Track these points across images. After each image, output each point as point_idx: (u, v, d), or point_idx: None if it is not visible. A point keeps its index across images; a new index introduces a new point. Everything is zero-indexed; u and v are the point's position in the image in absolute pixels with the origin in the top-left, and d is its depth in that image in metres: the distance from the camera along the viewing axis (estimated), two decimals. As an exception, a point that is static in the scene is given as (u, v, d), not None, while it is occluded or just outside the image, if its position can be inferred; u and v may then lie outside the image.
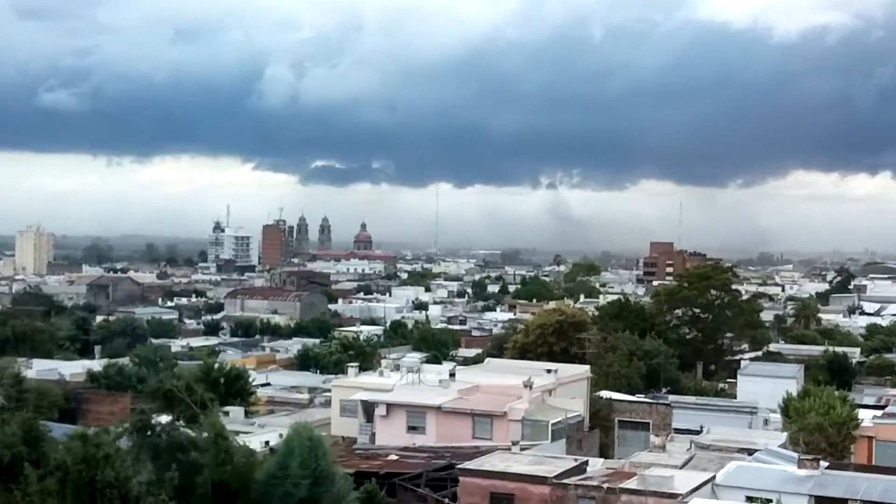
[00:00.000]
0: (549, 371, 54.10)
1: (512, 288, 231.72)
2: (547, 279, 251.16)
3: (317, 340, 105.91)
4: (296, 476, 30.39)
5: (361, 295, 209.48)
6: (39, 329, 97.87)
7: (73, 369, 73.31)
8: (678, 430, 51.78)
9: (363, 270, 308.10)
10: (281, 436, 35.35)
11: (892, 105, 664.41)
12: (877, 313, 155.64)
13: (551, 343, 75.90)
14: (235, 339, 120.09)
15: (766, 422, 57.22)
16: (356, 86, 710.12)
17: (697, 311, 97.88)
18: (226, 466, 30.22)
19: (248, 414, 58.26)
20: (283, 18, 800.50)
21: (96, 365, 71.72)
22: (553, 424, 46.74)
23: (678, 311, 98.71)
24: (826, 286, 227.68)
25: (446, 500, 37.91)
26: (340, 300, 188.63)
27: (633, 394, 65.21)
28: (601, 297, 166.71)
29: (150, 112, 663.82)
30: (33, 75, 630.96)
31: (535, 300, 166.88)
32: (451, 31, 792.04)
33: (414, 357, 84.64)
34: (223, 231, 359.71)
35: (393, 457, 43.71)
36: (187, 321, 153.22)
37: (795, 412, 52.24)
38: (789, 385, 62.28)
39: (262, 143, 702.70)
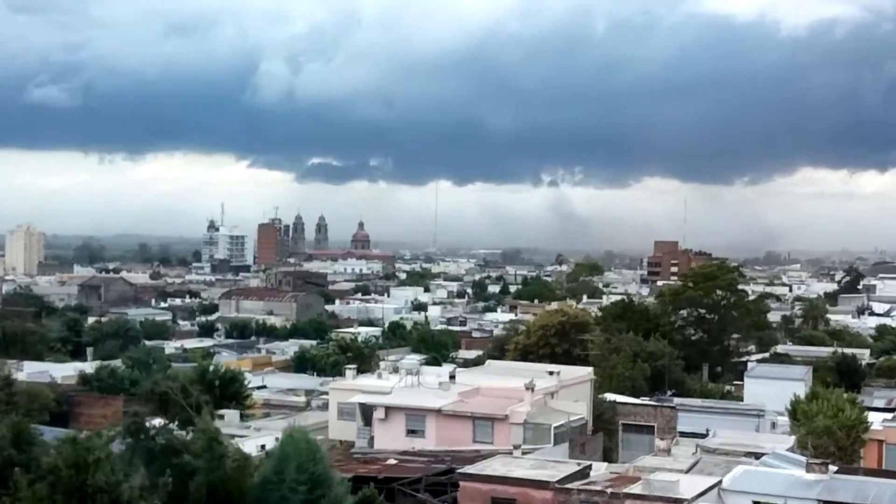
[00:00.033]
0: (551, 373, 54.12)
1: (513, 288, 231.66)
2: (549, 279, 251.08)
3: (314, 342, 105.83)
4: (292, 481, 30.37)
5: (359, 295, 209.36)
6: (30, 330, 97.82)
7: (64, 371, 73.30)
8: (683, 434, 51.79)
9: (361, 270, 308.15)
10: (277, 439, 35.33)
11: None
12: (887, 314, 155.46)
13: (553, 344, 75.96)
14: (230, 341, 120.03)
15: (773, 425, 57.20)
16: (353, 81, 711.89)
17: (703, 311, 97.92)
18: (221, 471, 30.19)
19: (243, 417, 58.23)
20: (278, 12, 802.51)
21: (88, 367, 71.71)
22: (555, 428, 46.76)
23: (683, 312, 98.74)
24: (835, 286, 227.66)
25: (446, 506, 37.92)
26: (338, 301, 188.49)
27: (637, 396, 65.25)
28: (604, 297, 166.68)
29: (142, 108, 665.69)
30: (23, 70, 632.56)
31: (536, 301, 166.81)
32: (450, 24, 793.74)
33: (413, 359, 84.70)
34: (217, 230, 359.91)
35: (392, 461, 43.71)
36: (181, 322, 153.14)
37: (803, 415, 52.21)
38: (797, 387, 62.25)
39: (256, 139, 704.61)
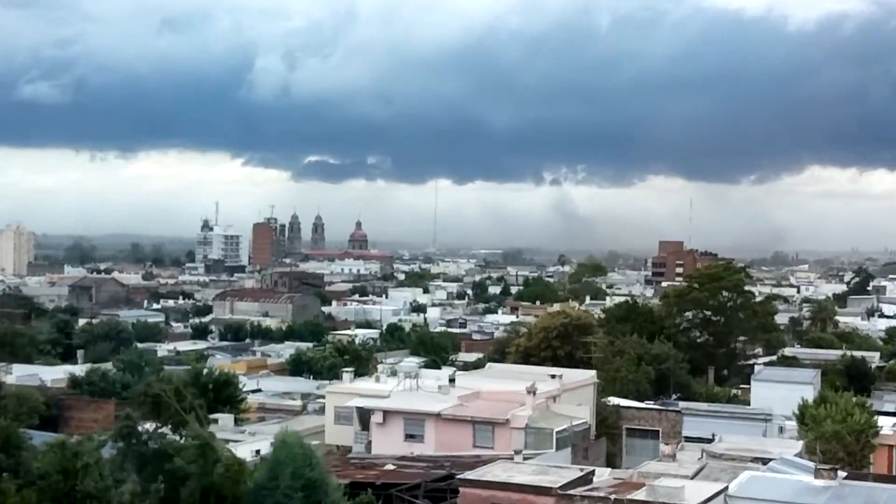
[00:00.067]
0: (553, 376, 54.08)
1: (514, 289, 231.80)
2: (551, 280, 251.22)
3: (310, 344, 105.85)
4: (286, 487, 30.34)
5: (356, 297, 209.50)
6: (19, 332, 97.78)
7: (54, 374, 73.29)
8: (689, 439, 51.77)
9: (358, 271, 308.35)
10: (272, 444, 35.32)
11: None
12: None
13: (555, 347, 75.94)
14: (225, 343, 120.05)
15: (780, 429, 57.24)
16: (351, 77, 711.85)
17: (709, 313, 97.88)
18: (214, 476, 30.16)
19: (237, 421, 58.22)
20: (274, 7, 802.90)
21: (79, 370, 71.64)
22: (558, 432, 46.74)
23: (688, 314, 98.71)
24: (844, 287, 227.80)
25: (446, 512, 37.91)
26: (334, 302, 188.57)
27: (641, 400, 65.27)
28: (608, 298, 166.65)
29: (135, 105, 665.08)
30: (13, 66, 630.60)
31: (538, 302, 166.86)
32: (450, 20, 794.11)
33: (412, 362, 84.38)
34: (212, 230, 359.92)
35: (390, 466, 43.70)
36: (174, 324, 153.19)
37: (812, 419, 52.21)
38: (805, 391, 62.28)
39: (252, 137, 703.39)
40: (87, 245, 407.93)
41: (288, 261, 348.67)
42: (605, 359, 72.77)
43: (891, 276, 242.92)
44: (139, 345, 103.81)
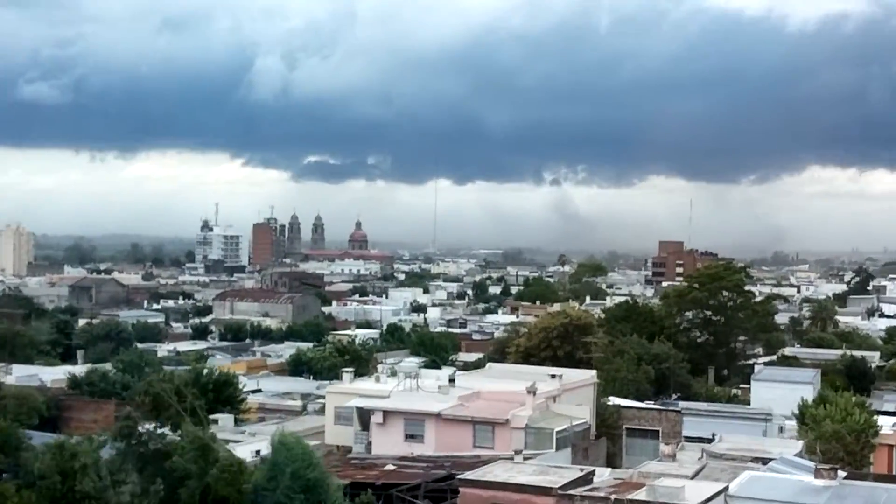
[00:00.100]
0: (553, 376, 54.08)
1: (514, 289, 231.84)
2: (551, 280, 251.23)
3: (310, 344, 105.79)
4: (286, 487, 30.35)
5: (356, 297, 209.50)
6: (19, 333, 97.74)
7: (54, 375, 73.27)
8: (689, 439, 51.78)
9: (358, 271, 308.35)
10: (271, 445, 35.30)
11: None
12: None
13: (556, 347, 75.90)
14: (225, 344, 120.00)
15: (781, 429, 57.25)
16: (351, 77, 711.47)
17: (709, 313, 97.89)
18: (214, 476, 30.17)
19: (237, 422, 58.22)
20: (274, 7, 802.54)
21: (79, 370, 71.63)
22: (558, 432, 46.74)
23: (689, 314, 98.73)
24: (844, 287, 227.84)
25: (446, 512, 37.91)
26: (334, 302, 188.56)
27: (641, 400, 65.27)
28: (608, 298, 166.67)
29: (134, 105, 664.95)
30: (12, 66, 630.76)
31: (538, 302, 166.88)
32: (450, 20, 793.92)
33: (412, 362, 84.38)
34: (211, 230, 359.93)
35: (390, 467, 43.69)
36: (174, 324, 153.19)
37: (812, 419, 52.23)
38: (805, 391, 62.32)
39: (252, 137, 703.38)
40: (87, 245, 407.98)
41: (288, 261, 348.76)
42: (606, 359, 72.75)
43: (891, 275, 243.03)
44: (139, 345, 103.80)
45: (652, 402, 65.42)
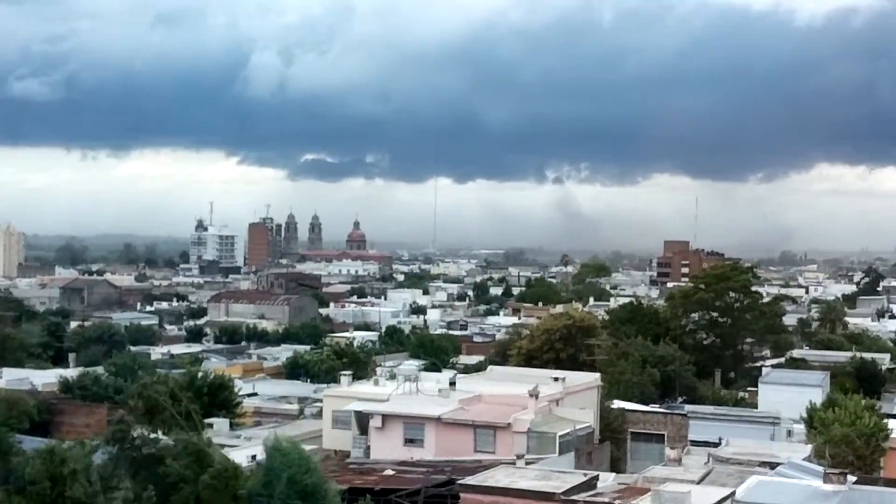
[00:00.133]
0: (556, 379, 54.10)
1: (516, 290, 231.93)
2: (553, 281, 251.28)
3: (307, 347, 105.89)
4: (282, 493, 30.34)
5: (355, 298, 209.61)
6: (9, 336, 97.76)
7: (45, 378, 73.26)
8: (695, 443, 51.78)
9: (356, 272, 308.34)
10: (264, 450, 35.30)
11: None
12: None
13: (558, 349, 75.92)
14: (220, 346, 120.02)
15: (789, 433, 57.28)
16: (348, 73, 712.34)
17: (715, 314, 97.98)
18: (208, 482, 30.17)
19: (233, 426, 58.23)
20: (270, 2, 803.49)
21: (70, 374, 71.68)
22: (561, 437, 46.72)
23: (694, 315, 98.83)
24: (853, 287, 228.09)
25: (446, 518, 37.88)
26: (332, 304, 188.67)
27: (646, 403, 65.33)
28: (612, 299, 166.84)
29: (127, 102, 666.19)
30: (3, 62, 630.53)
31: (540, 303, 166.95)
32: (449, 14, 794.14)
33: (411, 365, 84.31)
34: (206, 230, 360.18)
35: (389, 472, 43.67)
36: (168, 327, 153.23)
37: (821, 423, 52.23)
38: (814, 394, 62.35)
39: (247, 135, 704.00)
40: (79, 246, 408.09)
41: (284, 262, 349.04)
42: (610, 361, 72.78)
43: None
44: (132, 348, 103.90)
45: (657, 406, 65.46)
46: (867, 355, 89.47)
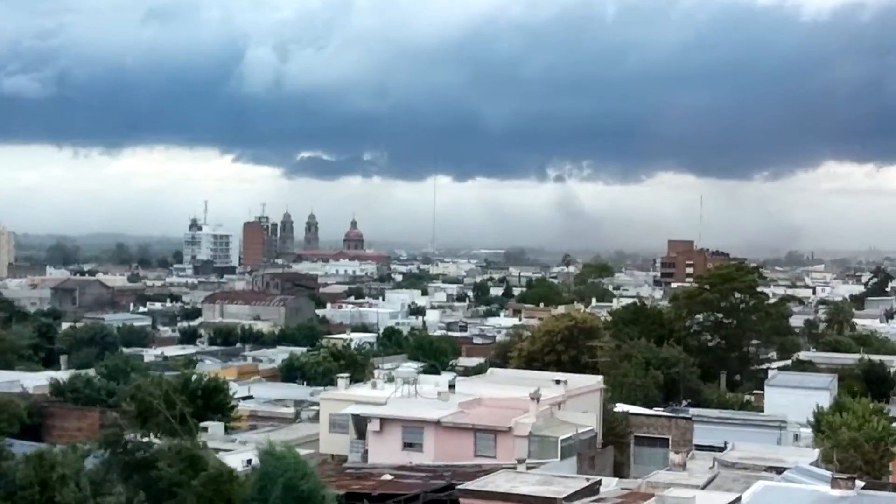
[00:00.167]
0: (557, 382, 54.12)
1: (517, 291, 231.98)
2: (555, 281, 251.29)
3: (303, 349, 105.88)
4: (277, 498, 30.34)
5: (352, 299, 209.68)
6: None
7: (36, 381, 73.20)
8: (700, 447, 51.84)
9: (354, 272, 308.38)
10: (258, 455, 35.33)
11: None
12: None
13: (560, 351, 75.92)
14: (214, 348, 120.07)
15: (796, 437, 57.30)
16: (345, 69, 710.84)
17: (720, 315, 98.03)
18: (202, 487, 30.16)
19: (228, 430, 58.19)
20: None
21: (62, 376, 71.62)
22: (563, 441, 46.74)
23: (699, 316, 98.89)
24: (861, 288, 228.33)
25: (446, 524, 37.92)
26: (329, 305, 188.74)
27: (650, 407, 65.33)
28: (615, 300, 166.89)
29: (120, 99, 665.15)
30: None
31: (542, 304, 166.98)
32: (448, 9, 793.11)
33: (410, 367, 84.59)
34: (200, 229, 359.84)
35: (387, 476, 43.69)
36: (161, 328, 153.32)
37: (828, 427, 52.30)
38: (821, 397, 62.40)
39: (242, 132, 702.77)
40: (71, 245, 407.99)
41: (280, 261, 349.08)
42: (612, 363, 72.81)
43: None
44: (125, 350, 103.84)
45: (661, 409, 65.44)
46: (875, 357, 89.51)
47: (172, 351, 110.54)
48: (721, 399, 75.92)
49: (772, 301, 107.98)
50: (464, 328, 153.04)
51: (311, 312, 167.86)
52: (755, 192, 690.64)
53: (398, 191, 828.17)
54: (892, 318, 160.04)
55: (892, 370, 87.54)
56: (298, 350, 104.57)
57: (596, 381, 58.20)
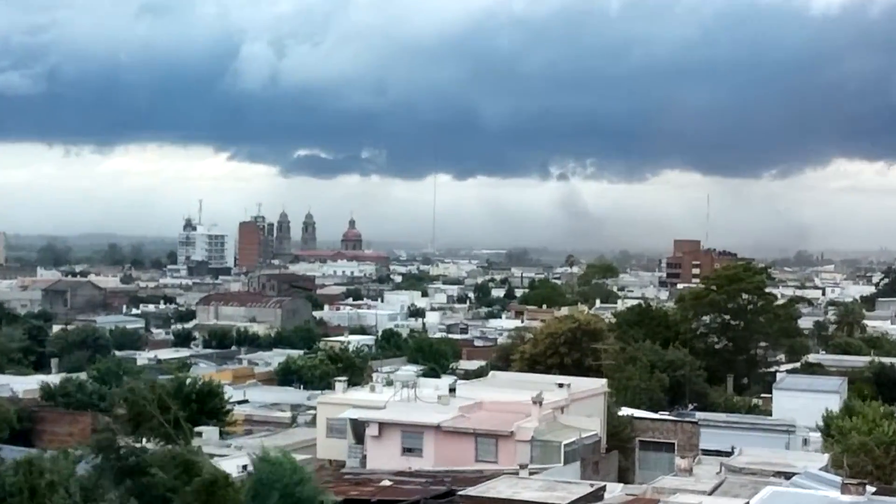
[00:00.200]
0: (560, 385, 54.10)
1: (519, 292, 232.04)
2: (558, 282, 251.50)
3: (300, 352, 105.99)
4: (276, 504, 30.33)
5: (350, 300, 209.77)
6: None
7: (26, 385, 73.34)
8: (706, 452, 51.80)
9: (352, 273, 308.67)
10: (252, 462, 35.32)
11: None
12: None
13: (563, 354, 75.97)
14: (209, 351, 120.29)
15: (805, 442, 57.29)
16: (343, 66, 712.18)
17: (727, 317, 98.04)
18: (198, 493, 30.16)
19: (223, 434, 58.29)
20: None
21: (53, 380, 71.75)
22: (566, 445, 46.73)
23: (706, 318, 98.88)
24: (872, 289, 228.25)
25: (446, 531, 37.91)
26: (326, 306, 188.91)
27: (655, 410, 65.35)
28: (619, 301, 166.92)
29: (112, 95, 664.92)
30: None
31: (544, 306, 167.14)
32: (448, 4, 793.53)
33: (409, 370, 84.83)
34: (195, 229, 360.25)
35: (386, 482, 43.69)
36: (155, 331, 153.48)
37: (838, 431, 52.28)
38: (831, 400, 62.40)
39: (238, 130, 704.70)
40: (62, 246, 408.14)
41: (276, 262, 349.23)
42: (617, 366, 72.84)
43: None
44: (117, 353, 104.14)
45: (667, 413, 65.49)
46: (886, 360, 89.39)
47: (166, 354, 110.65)
48: (728, 403, 75.93)
49: (780, 302, 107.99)
50: (464, 330, 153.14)
51: (308, 314, 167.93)
52: (763, 190, 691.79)
53: (397, 189, 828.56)
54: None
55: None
56: (295, 353, 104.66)
57: (600, 384, 58.19)
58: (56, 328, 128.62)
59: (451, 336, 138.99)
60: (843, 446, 49.17)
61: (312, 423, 59.24)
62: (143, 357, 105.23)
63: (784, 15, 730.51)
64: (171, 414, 36.20)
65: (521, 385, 55.20)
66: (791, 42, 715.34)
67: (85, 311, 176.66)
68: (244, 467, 40.90)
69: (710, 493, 38.02)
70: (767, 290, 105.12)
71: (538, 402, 48.57)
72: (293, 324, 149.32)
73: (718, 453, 50.14)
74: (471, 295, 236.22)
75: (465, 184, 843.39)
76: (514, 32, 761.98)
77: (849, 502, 36.15)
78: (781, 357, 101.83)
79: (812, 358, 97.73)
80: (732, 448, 50.10)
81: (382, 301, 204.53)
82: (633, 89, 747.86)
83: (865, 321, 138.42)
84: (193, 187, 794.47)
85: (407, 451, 48.19)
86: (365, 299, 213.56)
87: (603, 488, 38.84)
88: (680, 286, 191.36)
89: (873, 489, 39.06)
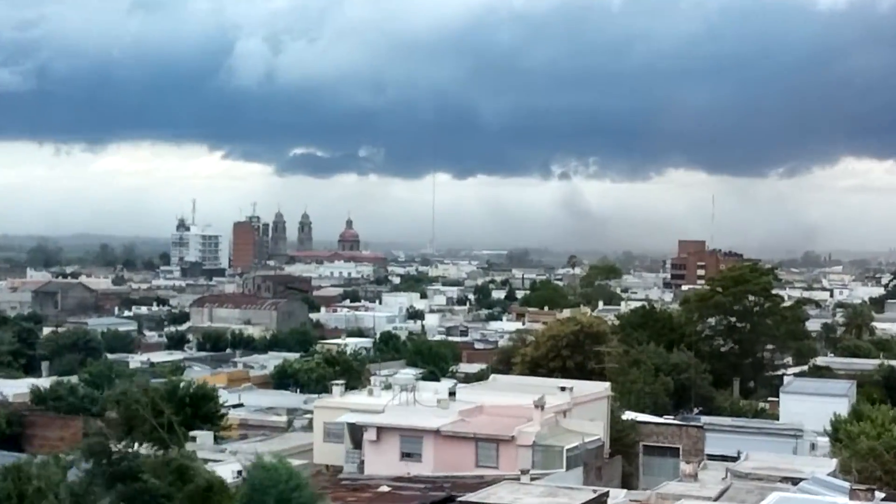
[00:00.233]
0: (563, 389, 54.17)
1: (520, 294, 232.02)
2: (560, 283, 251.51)
3: (296, 355, 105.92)
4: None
5: (347, 302, 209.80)
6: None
7: (16, 388, 73.37)
8: (712, 457, 51.87)
9: (349, 274, 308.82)
10: (247, 468, 35.32)
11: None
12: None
13: (565, 357, 75.99)
14: (203, 354, 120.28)
15: (812, 446, 57.32)
16: (340, 62, 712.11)
17: (733, 319, 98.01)
18: (192, 499, 30.18)
19: (217, 439, 58.26)
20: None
21: (43, 383, 71.77)
22: (568, 450, 46.76)
23: (711, 320, 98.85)
24: (881, 290, 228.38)
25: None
26: (323, 308, 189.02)
27: (659, 415, 65.35)
28: (622, 303, 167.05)
29: (104, 93, 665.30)
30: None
31: (546, 307, 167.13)
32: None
33: (408, 373, 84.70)
34: (188, 229, 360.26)
35: (384, 488, 43.73)
36: (148, 333, 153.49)
37: (846, 435, 52.28)
38: (839, 404, 62.36)
39: (232, 128, 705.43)
40: (52, 246, 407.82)
41: (272, 263, 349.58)
42: (620, 369, 72.85)
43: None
44: (109, 356, 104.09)
45: (671, 417, 65.49)
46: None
47: (159, 357, 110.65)
48: (734, 406, 75.91)
49: (787, 304, 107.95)
50: (464, 333, 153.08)
51: (304, 316, 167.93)
52: (770, 189, 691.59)
53: (395, 189, 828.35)
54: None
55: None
56: (291, 356, 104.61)
57: (603, 387, 58.27)
58: (47, 330, 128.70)
59: (450, 338, 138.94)
60: (852, 451, 49.16)
61: (309, 427, 59.25)
62: (135, 360, 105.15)
63: (790, 10, 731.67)
64: (165, 418, 36.22)
65: (523, 388, 55.28)
66: (797, 38, 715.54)
67: (76, 313, 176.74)
68: (239, 472, 40.91)
69: (716, 499, 38.04)
70: (774, 291, 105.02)
71: (540, 406, 48.60)
72: (289, 326, 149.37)
73: (724, 458, 50.22)
74: (471, 296, 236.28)
75: (465, 183, 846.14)
76: (515, 28, 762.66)
77: (857, 508, 36.17)
78: (789, 360, 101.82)
79: (820, 361, 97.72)
80: (738, 453, 50.14)
81: (380, 303, 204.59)
82: (637, 86, 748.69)
83: (874, 323, 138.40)
84: (187, 187, 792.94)
85: (406, 456, 48.23)
86: (362, 301, 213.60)
87: (606, 494, 38.85)
88: (685, 287, 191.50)
89: (882, 495, 39.05)
